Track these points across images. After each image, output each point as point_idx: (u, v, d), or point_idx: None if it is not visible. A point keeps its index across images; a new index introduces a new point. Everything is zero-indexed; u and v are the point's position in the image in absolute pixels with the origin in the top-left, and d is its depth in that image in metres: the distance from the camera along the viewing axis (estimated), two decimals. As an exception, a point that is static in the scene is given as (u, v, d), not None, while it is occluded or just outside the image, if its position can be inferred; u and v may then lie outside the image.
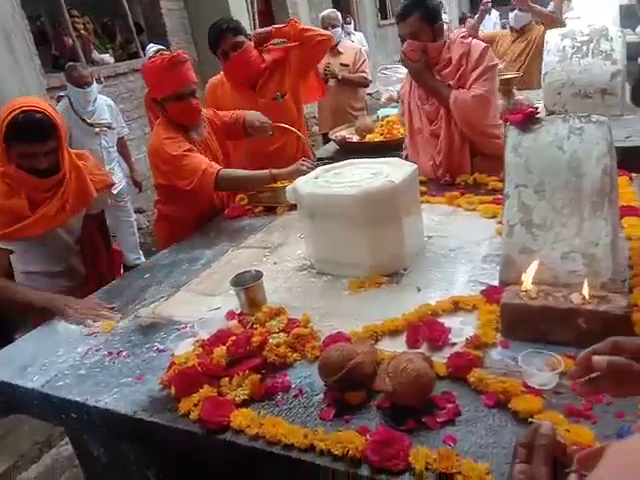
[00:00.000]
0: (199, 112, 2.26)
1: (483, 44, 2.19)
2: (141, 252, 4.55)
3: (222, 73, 2.81)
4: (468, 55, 2.14)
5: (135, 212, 4.92)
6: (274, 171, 2.15)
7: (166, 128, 2.19)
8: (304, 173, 1.94)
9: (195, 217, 2.30)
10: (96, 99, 4.04)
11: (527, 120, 1.37)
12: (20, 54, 4.19)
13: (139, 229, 4.98)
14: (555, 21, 3.96)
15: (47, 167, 1.75)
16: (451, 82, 2.16)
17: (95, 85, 4.10)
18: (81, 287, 2.06)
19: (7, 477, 2.52)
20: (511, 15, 4.15)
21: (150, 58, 4.46)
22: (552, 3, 5.50)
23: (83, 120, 3.95)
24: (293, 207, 2.24)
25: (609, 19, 4.17)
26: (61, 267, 2.00)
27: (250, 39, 2.75)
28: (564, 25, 3.88)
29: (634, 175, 1.93)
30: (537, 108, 1.43)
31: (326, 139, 4.26)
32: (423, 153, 2.32)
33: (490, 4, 4.53)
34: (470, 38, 2.21)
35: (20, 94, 4.14)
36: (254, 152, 2.67)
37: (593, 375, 0.65)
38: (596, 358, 0.64)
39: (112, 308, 1.65)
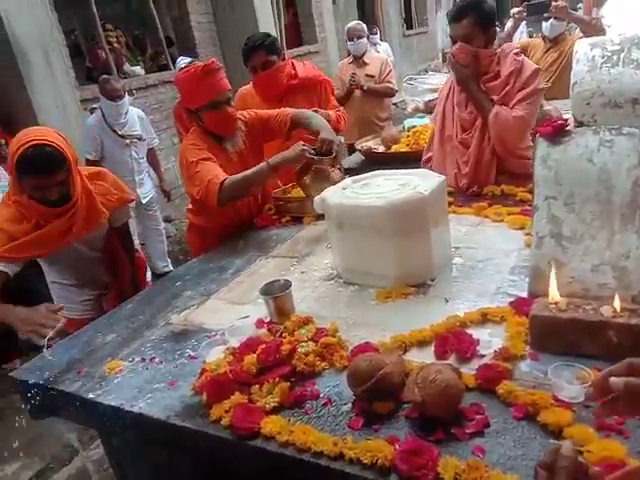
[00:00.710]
0: (235, 120, 2.25)
1: (535, 65, 2.20)
2: (169, 260, 4.64)
3: (252, 84, 2.86)
4: (519, 73, 2.13)
5: (164, 221, 5.03)
6: (271, 160, 2.07)
7: (198, 137, 2.21)
8: (303, 157, 1.97)
9: (222, 227, 2.32)
10: (128, 111, 4.15)
11: (557, 132, 1.37)
12: (56, 67, 4.33)
13: (167, 237, 5.07)
14: (597, 28, 3.92)
15: (58, 197, 1.80)
16: (495, 97, 2.15)
17: (127, 97, 4.22)
18: (107, 295, 2.14)
19: (40, 478, 2.59)
20: (545, 24, 4.12)
21: (182, 69, 4.59)
22: (581, 11, 5.45)
23: (114, 132, 4.06)
24: (320, 217, 2.27)
25: (640, 27, 4.12)
26: (85, 278, 2.09)
27: (283, 57, 2.80)
28: (605, 33, 3.84)
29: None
30: (567, 120, 1.43)
31: (351, 150, 4.28)
32: (450, 161, 2.32)
33: (525, 13, 4.51)
34: (522, 56, 2.20)
35: (55, 106, 4.29)
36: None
37: (610, 396, 0.65)
38: (613, 380, 0.65)
39: (60, 309, 1.59)
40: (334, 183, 1.98)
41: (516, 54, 2.18)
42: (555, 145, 1.38)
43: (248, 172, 2.10)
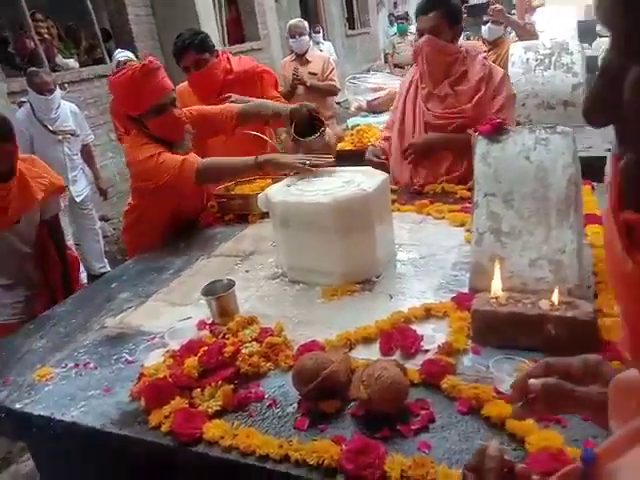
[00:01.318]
0: (183, 123, 2.07)
1: (502, 70, 2.25)
2: (106, 260, 4.45)
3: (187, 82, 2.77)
4: (489, 79, 2.17)
5: (100, 220, 4.82)
6: (260, 158, 1.91)
7: (145, 141, 2.01)
8: (297, 169, 1.80)
9: (163, 225, 2.20)
10: (59, 106, 3.95)
11: (495, 131, 1.40)
12: (-20, 57, 4.06)
13: (104, 237, 4.87)
14: (530, 32, 4.09)
15: (6, 170, 1.74)
16: (465, 105, 2.18)
17: (58, 91, 4.01)
18: (37, 296, 2.02)
19: (-37, 496, 2.42)
20: (484, 28, 4.26)
21: (117, 67, 4.40)
22: (515, 17, 5.66)
23: (45, 127, 3.85)
24: (265, 215, 2.23)
25: (568, 34, 4.33)
26: (15, 275, 1.98)
27: (217, 53, 2.70)
28: (537, 37, 4.00)
29: (596, 184, 1.99)
30: (504, 119, 1.46)
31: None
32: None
33: (466, 14, 4.66)
34: (489, 61, 2.25)
35: (-20, 98, 4.02)
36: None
37: (529, 396, 0.66)
38: (532, 381, 0.66)
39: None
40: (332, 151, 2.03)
41: (484, 58, 2.23)
42: (494, 143, 1.41)
43: (232, 160, 2.03)
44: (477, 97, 2.17)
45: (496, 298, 1.23)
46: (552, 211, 1.33)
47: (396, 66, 8.25)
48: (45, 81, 3.84)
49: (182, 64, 2.61)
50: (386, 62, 9.13)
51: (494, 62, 4.19)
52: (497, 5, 4.38)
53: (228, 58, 2.74)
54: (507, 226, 1.36)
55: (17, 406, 1.24)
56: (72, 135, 4.02)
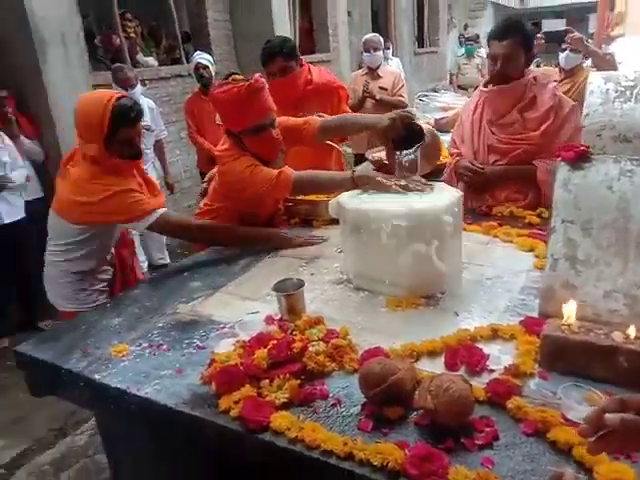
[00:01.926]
0: (280, 143, 2.09)
1: (571, 101, 2.25)
2: (167, 252, 4.62)
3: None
4: (558, 109, 2.18)
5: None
6: (356, 176, 1.85)
7: (243, 153, 2.06)
8: (388, 189, 1.71)
9: (244, 219, 2.24)
10: (139, 101, 4.15)
11: (579, 158, 1.40)
12: (72, 51, 4.32)
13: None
14: (609, 63, 4.00)
15: (140, 149, 1.97)
16: (532, 132, 2.20)
17: (139, 87, 4.22)
18: (115, 280, 2.13)
19: (23, 459, 2.57)
20: (562, 55, 4.19)
21: (195, 69, 4.59)
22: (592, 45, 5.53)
23: None
24: (329, 222, 2.29)
25: (652, 65, 4.21)
26: (108, 259, 2.09)
27: (301, 62, 2.75)
28: (617, 68, 3.91)
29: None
30: (589, 147, 1.45)
31: (358, 160, 4.31)
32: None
33: (544, 41, 4.61)
34: (559, 91, 2.27)
35: (69, 89, 4.27)
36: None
37: (602, 432, 0.67)
38: (609, 416, 0.66)
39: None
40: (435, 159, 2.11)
41: (555, 88, 2.24)
42: (576, 170, 1.40)
43: (327, 174, 2.06)
44: (545, 125, 2.19)
45: (568, 325, 1.22)
46: (631, 243, 1.31)
47: (460, 87, 8.21)
48: (129, 77, 4.05)
49: (268, 69, 2.66)
50: (451, 83, 9.09)
51: (569, 90, 4.15)
52: (576, 33, 4.31)
53: (309, 69, 2.81)
54: (583, 254, 1.35)
55: (96, 377, 1.32)
56: (147, 130, 4.20)
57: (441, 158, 2.78)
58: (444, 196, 1.62)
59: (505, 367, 1.21)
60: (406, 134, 1.98)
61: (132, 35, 6.06)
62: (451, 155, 2.53)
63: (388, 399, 1.10)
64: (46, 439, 2.69)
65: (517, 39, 2.12)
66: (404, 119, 1.99)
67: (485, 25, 17.03)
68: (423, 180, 1.75)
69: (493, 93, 2.26)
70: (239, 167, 2.01)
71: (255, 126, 1.98)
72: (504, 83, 2.20)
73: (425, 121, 4.22)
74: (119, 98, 1.84)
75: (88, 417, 2.75)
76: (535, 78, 2.24)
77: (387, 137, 2.01)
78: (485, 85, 2.35)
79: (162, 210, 1.93)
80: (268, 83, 2.75)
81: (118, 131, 1.83)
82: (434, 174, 2.44)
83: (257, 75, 2.02)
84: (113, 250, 2.11)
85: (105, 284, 2.07)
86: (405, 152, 1.94)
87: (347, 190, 1.85)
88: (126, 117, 1.84)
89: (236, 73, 2.13)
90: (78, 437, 2.69)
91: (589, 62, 4.51)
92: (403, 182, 1.73)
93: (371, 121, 2.14)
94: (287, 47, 2.66)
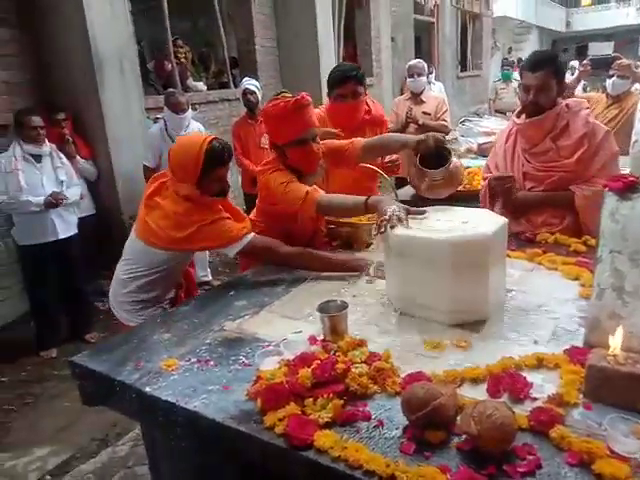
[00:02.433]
0: (319, 158, 2.23)
1: (605, 127, 2.27)
2: (209, 270, 4.74)
3: (324, 111, 2.85)
4: (592, 136, 2.20)
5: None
6: (370, 201, 1.91)
7: (280, 167, 2.19)
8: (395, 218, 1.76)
9: (286, 236, 2.30)
10: (189, 124, 4.32)
11: (627, 188, 1.40)
12: (128, 76, 4.55)
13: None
14: None
15: (229, 186, 2.11)
16: (566, 160, 2.22)
17: (190, 111, 4.39)
18: (176, 297, 2.23)
19: (68, 466, 2.66)
20: (609, 81, 4.15)
21: (243, 94, 4.74)
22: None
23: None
24: (370, 244, 2.34)
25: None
26: (176, 282, 2.23)
27: (366, 91, 2.84)
28: None
29: None
30: (638, 177, 1.45)
31: (404, 183, 4.33)
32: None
33: (590, 67, 4.58)
34: (592, 118, 2.28)
35: (123, 112, 4.50)
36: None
37: None
38: None
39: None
40: (457, 182, 2.15)
41: (588, 115, 2.24)
42: (624, 200, 1.40)
43: (345, 201, 2.09)
44: (580, 152, 2.20)
45: (614, 356, 1.21)
46: (681, 275, 1.29)
47: (497, 112, 8.16)
48: (180, 101, 4.23)
49: (340, 91, 2.71)
50: (489, 107, 9.06)
51: (617, 116, 4.09)
52: (624, 60, 4.26)
53: (366, 100, 2.87)
54: (631, 285, 1.34)
55: (147, 389, 1.38)
56: None
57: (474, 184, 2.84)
58: (489, 222, 1.63)
59: (549, 396, 1.20)
60: (435, 152, 2.13)
61: (183, 60, 6.32)
62: (484, 180, 2.54)
63: (430, 423, 1.12)
64: (89, 448, 2.78)
65: (549, 70, 2.15)
66: (436, 138, 2.15)
67: (530, 48, 16.92)
68: (421, 209, 1.81)
69: (525, 125, 2.27)
70: (274, 182, 2.15)
71: (298, 139, 2.12)
72: (536, 113, 2.22)
73: (467, 146, 4.24)
74: (211, 140, 1.99)
75: (129, 429, 2.83)
76: (567, 106, 2.25)
77: (417, 151, 2.17)
78: (518, 115, 2.36)
79: (251, 235, 2.06)
80: (335, 106, 2.78)
81: (210, 171, 1.98)
82: (469, 200, 2.46)
83: (304, 93, 2.17)
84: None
85: (168, 301, 2.21)
86: (431, 171, 2.09)
87: (362, 214, 2.08)
88: (218, 158, 1.99)
89: (285, 91, 2.24)
90: (119, 448, 2.77)
91: (638, 87, 4.44)
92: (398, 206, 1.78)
93: (408, 138, 2.30)
94: (359, 73, 2.75)
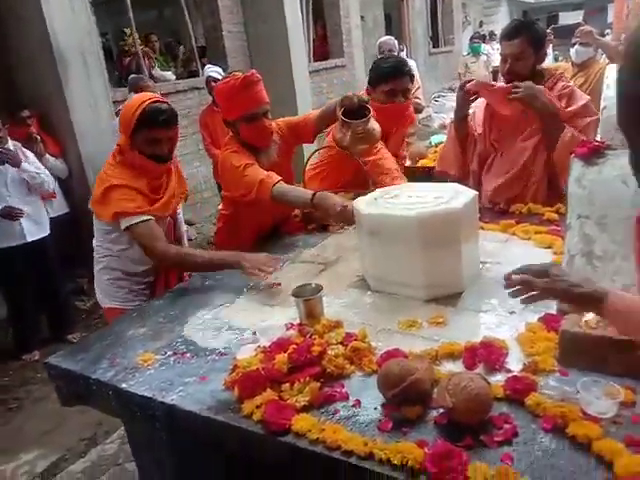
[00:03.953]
0: (271, 133, 2.24)
1: (586, 96, 2.25)
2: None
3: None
4: (570, 97, 2.19)
5: (185, 224, 5.08)
6: (316, 198, 1.99)
7: (235, 148, 2.20)
8: (341, 217, 1.95)
9: (257, 226, 2.36)
10: None
11: (593, 153, 1.40)
12: (92, 69, 4.44)
13: (189, 240, 5.13)
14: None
15: (167, 153, 2.00)
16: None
17: None
18: (156, 282, 2.17)
19: (56, 468, 2.64)
20: (572, 50, 4.17)
21: (207, 83, 4.66)
22: (609, 37, 5.46)
23: None
24: (346, 225, 2.33)
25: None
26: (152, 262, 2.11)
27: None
28: None
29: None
30: (604, 142, 1.45)
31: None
32: (491, 174, 2.36)
33: (553, 37, 4.58)
34: (572, 83, 2.32)
35: (89, 106, 4.39)
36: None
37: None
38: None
39: (277, 260, 1.88)
40: (374, 139, 2.16)
41: (566, 80, 2.25)
42: (590, 166, 1.40)
43: (294, 193, 2.10)
44: (568, 108, 2.17)
45: (586, 321, 1.22)
46: (649, 237, 1.30)
47: (468, 86, 8.14)
48: (148, 85, 4.16)
49: (394, 85, 2.48)
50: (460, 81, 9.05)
51: (582, 84, 4.11)
52: (586, 27, 4.28)
53: None
54: (600, 250, 1.35)
55: (123, 385, 1.36)
56: None
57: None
58: (460, 196, 1.63)
59: (524, 364, 1.21)
60: (358, 110, 2.18)
61: (147, 50, 6.19)
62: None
63: (407, 399, 1.12)
64: (77, 448, 2.76)
65: (526, 38, 2.13)
66: (359, 97, 2.20)
67: (501, 22, 16.89)
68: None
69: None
70: (229, 164, 2.16)
71: (248, 114, 2.13)
72: (514, 81, 2.19)
73: (441, 122, 4.24)
74: (156, 101, 1.96)
75: (117, 426, 2.81)
76: (547, 72, 2.25)
77: (341, 105, 2.18)
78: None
79: (139, 218, 1.91)
80: (387, 107, 2.49)
81: (143, 129, 1.92)
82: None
83: (253, 70, 2.21)
84: None
85: (144, 286, 2.13)
86: (353, 122, 2.13)
87: (309, 208, 2.08)
88: (151, 119, 1.92)
89: (238, 71, 2.26)
90: (108, 446, 2.75)
91: (605, 56, 4.46)
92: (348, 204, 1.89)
93: (335, 101, 2.27)
94: (409, 68, 2.59)
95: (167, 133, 1.97)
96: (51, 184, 3.76)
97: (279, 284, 1.82)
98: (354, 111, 2.18)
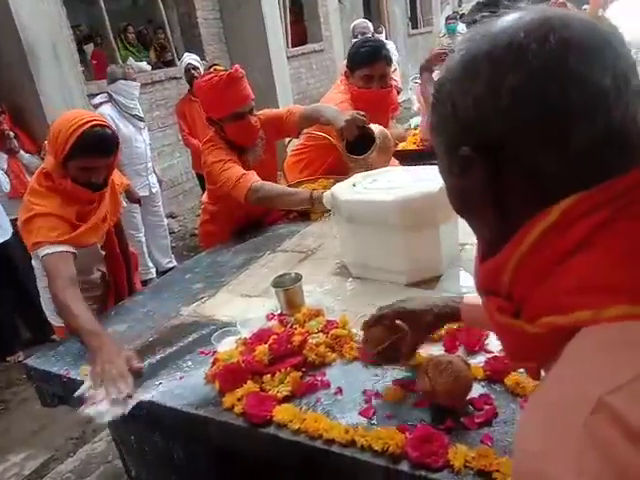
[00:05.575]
0: (257, 131, 2.18)
1: None
2: (173, 256, 4.65)
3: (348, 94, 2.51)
4: None
5: (167, 217, 5.03)
6: (315, 195, 2.01)
7: (219, 146, 2.14)
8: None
9: (244, 217, 2.32)
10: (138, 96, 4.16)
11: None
12: (64, 62, 4.35)
13: (171, 233, 5.09)
14: None
15: (102, 182, 1.81)
16: None
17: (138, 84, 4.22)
18: (108, 293, 2.08)
19: (45, 469, 2.62)
20: None
21: (185, 71, 4.58)
22: (586, 12, 5.45)
23: (133, 115, 4.03)
24: (327, 212, 2.31)
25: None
26: (96, 275, 2.02)
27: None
28: None
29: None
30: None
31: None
32: None
33: None
34: None
35: (64, 100, 4.31)
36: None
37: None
38: None
39: (140, 369, 1.36)
40: (390, 151, 2.13)
41: None
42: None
43: (287, 192, 2.08)
44: None
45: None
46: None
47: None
48: (130, 71, 4.09)
49: (367, 72, 2.41)
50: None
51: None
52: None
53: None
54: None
55: (103, 383, 1.34)
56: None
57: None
58: (435, 180, 1.62)
59: (504, 344, 1.22)
60: (359, 135, 2.07)
61: (122, 40, 6.07)
62: None
63: (391, 358, 1.15)
64: (66, 448, 2.74)
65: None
66: (358, 122, 2.06)
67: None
68: None
69: None
70: (211, 159, 2.10)
71: (234, 113, 2.07)
72: None
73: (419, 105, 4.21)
74: (95, 126, 1.70)
75: (105, 424, 2.79)
76: None
77: (342, 137, 2.11)
78: None
79: (51, 249, 1.68)
80: (363, 93, 2.44)
81: (79, 157, 1.71)
82: (427, 158, 2.44)
83: (236, 65, 2.11)
84: (104, 268, 2.05)
85: (91, 302, 1.89)
86: (360, 158, 2.05)
87: (306, 206, 2.06)
88: (92, 147, 1.71)
89: (218, 64, 2.18)
90: (97, 444, 2.73)
91: None
92: None
93: (331, 117, 2.15)
94: (388, 52, 2.50)
95: (106, 161, 1.77)
96: (5, 184, 3.64)
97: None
98: (357, 136, 2.07)
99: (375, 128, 2.11)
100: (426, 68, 2.87)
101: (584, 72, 0.46)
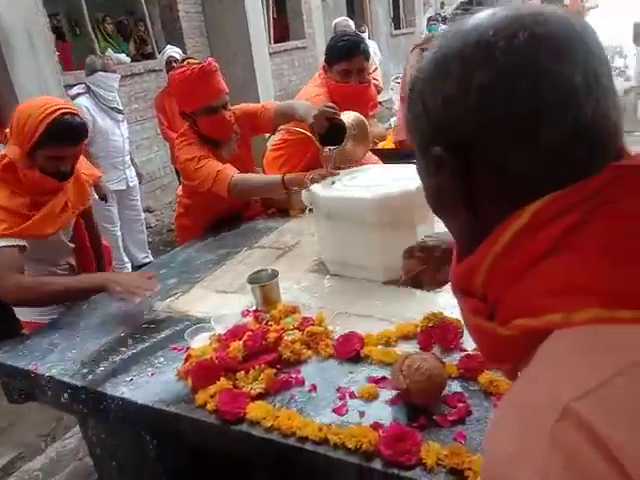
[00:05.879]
0: (232, 125, 2.14)
1: None
2: (149, 251, 4.58)
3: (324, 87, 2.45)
4: None
5: (144, 211, 4.95)
6: (287, 178, 1.96)
7: (193, 141, 2.10)
8: (316, 181, 1.80)
9: (219, 211, 2.29)
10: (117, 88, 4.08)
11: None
12: (40, 51, 4.24)
13: (148, 228, 5.01)
14: None
15: (69, 170, 1.76)
16: None
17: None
18: None
19: (12, 467, 2.56)
20: None
21: (166, 63, 4.52)
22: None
23: (111, 108, 3.95)
24: (305, 209, 2.30)
25: (623, 37, 4.22)
26: (62, 267, 1.97)
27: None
28: None
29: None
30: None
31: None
32: None
33: None
34: None
35: (39, 91, 4.19)
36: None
37: None
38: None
39: (151, 277, 1.63)
40: (367, 141, 2.08)
41: None
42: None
43: (260, 179, 2.07)
44: None
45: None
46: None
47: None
48: (109, 62, 4.01)
49: (345, 66, 2.35)
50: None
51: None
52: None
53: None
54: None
55: (72, 380, 1.31)
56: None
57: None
58: (413, 179, 1.62)
59: (478, 343, 1.22)
60: (331, 128, 2.00)
61: (101, 31, 5.97)
62: None
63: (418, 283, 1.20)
64: (35, 445, 2.68)
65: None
66: (327, 114, 1.99)
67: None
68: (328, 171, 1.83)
69: None
70: (184, 156, 2.06)
71: (207, 107, 2.03)
72: None
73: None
74: (66, 113, 1.64)
75: (77, 420, 2.74)
76: None
77: (314, 132, 2.05)
78: None
79: (9, 243, 1.63)
80: (341, 87, 2.37)
81: (48, 146, 1.65)
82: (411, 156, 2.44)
83: (210, 59, 2.07)
84: (74, 261, 1.99)
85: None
86: (333, 151, 1.98)
87: (281, 192, 1.98)
88: (62, 135, 1.65)
89: (192, 57, 2.13)
90: (67, 441, 2.68)
91: None
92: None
93: (302, 113, 2.09)
94: (366, 46, 2.43)
95: (75, 150, 1.73)
96: None
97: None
98: (329, 128, 2.01)
99: (348, 117, 2.05)
100: (419, 46, 2.82)
101: (555, 68, 0.46)
